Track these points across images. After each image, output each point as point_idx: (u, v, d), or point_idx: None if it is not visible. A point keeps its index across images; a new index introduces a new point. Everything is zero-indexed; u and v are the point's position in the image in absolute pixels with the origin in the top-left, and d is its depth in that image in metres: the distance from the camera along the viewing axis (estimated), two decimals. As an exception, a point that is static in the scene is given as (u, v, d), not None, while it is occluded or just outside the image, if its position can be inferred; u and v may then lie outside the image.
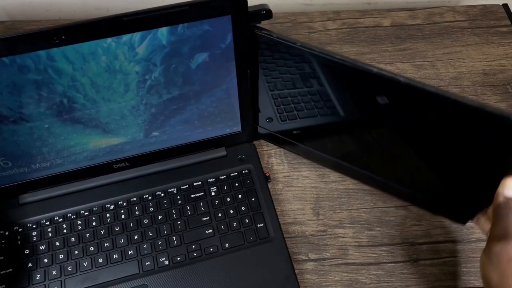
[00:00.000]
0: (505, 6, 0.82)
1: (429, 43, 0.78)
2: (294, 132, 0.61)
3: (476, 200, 0.49)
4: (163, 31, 0.44)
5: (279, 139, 0.63)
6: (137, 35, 0.44)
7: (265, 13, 0.46)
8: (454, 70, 0.74)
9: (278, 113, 0.59)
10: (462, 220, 0.54)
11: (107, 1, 0.80)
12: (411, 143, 0.51)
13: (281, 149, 0.66)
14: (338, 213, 0.61)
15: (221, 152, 0.63)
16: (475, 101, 0.41)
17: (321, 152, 0.61)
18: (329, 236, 0.59)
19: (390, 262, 0.57)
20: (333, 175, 0.64)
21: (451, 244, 0.59)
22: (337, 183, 0.63)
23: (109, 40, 0.43)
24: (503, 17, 0.81)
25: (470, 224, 0.58)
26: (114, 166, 0.59)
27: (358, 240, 0.59)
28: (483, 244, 0.57)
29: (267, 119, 0.61)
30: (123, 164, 0.59)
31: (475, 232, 0.59)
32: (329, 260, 0.57)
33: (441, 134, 0.47)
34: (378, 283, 0.56)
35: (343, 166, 0.61)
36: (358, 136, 0.56)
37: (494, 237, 0.42)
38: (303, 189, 0.63)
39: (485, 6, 0.82)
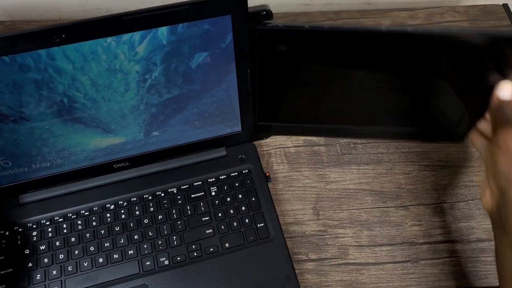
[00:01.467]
0: (505, 6, 0.82)
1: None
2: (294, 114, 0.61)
3: (470, 114, 0.53)
4: (163, 31, 0.44)
5: (278, 127, 0.64)
6: (137, 35, 0.44)
7: (265, 13, 0.46)
8: (454, 70, 0.74)
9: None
10: (460, 137, 0.56)
11: (107, 1, 0.80)
12: (396, 77, 0.53)
13: (281, 149, 0.66)
14: (338, 213, 0.61)
15: (221, 152, 0.63)
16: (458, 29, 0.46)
17: (313, 123, 0.62)
18: (329, 236, 0.59)
19: (390, 262, 0.57)
20: (333, 175, 0.64)
21: (451, 244, 0.59)
22: (337, 183, 0.63)
23: (109, 39, 0.43)
24: (503, 17, 0.81)
25: (468, 229, 0.58)
26: (114, 166, 0.59)
27: (358, 240, 0.59)
28: (483, 244, 0.58)
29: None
30: (123, 164, 0.59)
31: (475, 232, 0.59)
32: (329, 260, 0.57)
33: (424, 60, 0.50)
34: (378, 283, 0.56)
35: (334, 129, 0.62)
36: (342, 91, 0.57)
37: (499, 127, 0.46)
38: (303, 189, 0.63)
39: (485, 6, 0.82)
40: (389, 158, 0.66)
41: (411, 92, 0.55)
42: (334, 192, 0.63)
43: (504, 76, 0.47)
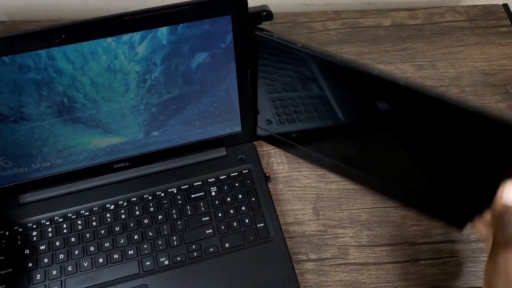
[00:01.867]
0: (505, 6, 0.82)
1: (429, 43, 0.78)
2: (293, 134, 0.60)
3: (474, 204, 0.48)
4: (163, 31, 0.44)
5: (278, 141, 0.63)
6: (137, 35, 0.44)
7: (265, 14, 0.46)
8: (454, 70, 0.74)
9: (277, 115, 0.59)
10: (460, 224, 0.53)
11: (107, 1, 0.80)
12: (410, 146, 0.51)
13: (281, 149, 0.66)
14: (338, 213, 0.61)
15: (221, 152, 0.63)
16: (476, 106, 0.40)
17: (320, 154, 0.61)
18: (329, 236, 0.59)
19: (390, 262, 0.57)
20: (333, 175, 0.64)
21: (451, 244, 0.59)
22: (337, 183, 0.63)
23: (109, 39, 0.43)
24: (503, 17, 0.81)
25: (468, 229, 0.58)
26: (114, 166, 0.59)
27: (358, 240, 0.59)
28: (483, 244, 0.58)
29: (266, 121, 0.61)
30: (123, 164, 0.59)
31: (475, 232, 0.59)
32: (329, 260, 0.57)
33: (440, 137, 0.46)
34: (378, 283, 0.56)
35: (342, 169, 0.61)
36: (357, 139, 0.56)
37: (499, 245, 0.41)
38: (303, 189, 0.63)
39: (485, 6, 0.82)
40: None
41: (420, 157, 0.51)
42: (334, 192, 0.63)
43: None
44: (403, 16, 0.81)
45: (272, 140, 0.64)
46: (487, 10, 0.82)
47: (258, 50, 0.50)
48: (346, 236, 0.59)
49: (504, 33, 0.79)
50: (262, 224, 0.57)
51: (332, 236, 0.59)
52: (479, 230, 0.47)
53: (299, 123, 0.58)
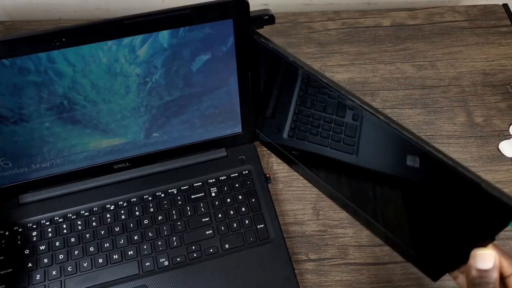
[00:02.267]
0: (505, 6, 0.82)
1: (429, 43, 0.78)
2: (293, 152, 0.60)
3: (450, 260, 0.46)
4: (164, 34, 0.44)
5: (277, 150, 0.62)
6: (138, 38, 0.44)
7: (267, 18, 0.46)
8: (454, 70, 0.74)
9: (290, 128, 0.58)
10: (434, 276, 0.50)
11: (107, 1, 0.79)
12: (405, 200, 0.49)
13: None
14: (338, 213, 0.61)
15: (222, 152, 0.63)
16: (472, 173, 0.39)
17: (316, 176, 0.59)
18: (329, 236, 0.59)
19: (390, 262, 0.57)
20: None
21: None
22: None
23: (109, 42, 0.43)
24: (503, 17, 0.81)
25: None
26: (114, 166, 0.59)
27: (358, 240, 0.59)
28: None
29: (275, 128, 0.60)
30: (124, 165, 0.59)
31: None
32: (329, 260, 0.58)
33: (430, 194, 0.45)
34: (378, 283, 0.56)
35: (334, 196, 0.58)
36: (361, 181, 0.53)
37: None
38: (303, 189, 0.63)
39: (485, 6, 0.82)
40: None
41: (394, 199, 0.50)
42: None
43: (486, 239, 0.40)
44: (403, 16, 0.81)
45: (271, 147, 0.64)
46: (487, 10, 0.82)
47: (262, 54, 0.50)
48: (346, 236, 0.59)
49: (504, 33, 0.79)
50: (262, 225, 0.57)
51: (332, 236, 0.59)
52: (461, 283, 0.45)
53: (306, 144, 0.57)
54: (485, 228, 0.40)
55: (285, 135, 0.59)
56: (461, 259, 0.42)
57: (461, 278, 0.44)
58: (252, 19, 0.45)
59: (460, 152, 0.66)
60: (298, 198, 0.62)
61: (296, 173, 0.64)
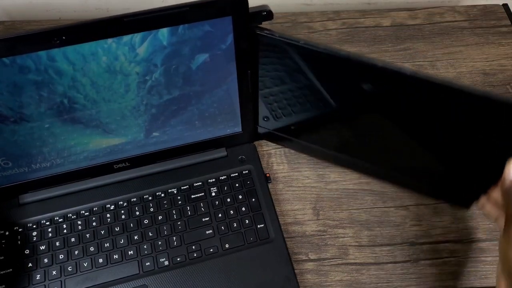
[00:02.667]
0: (505, 6, 0.82)
1: (429, 43, 0.78)
2: (292, 127, 0.60)
3: (479, 182, 0.49)
4: (163, 32, 0.44)
5: (279, 137, 0.63)
6: (137, 36, 0.44)
7: (265, 14, 0.46)
8: (454, 70, 0.74)
9: (272, 111, 0.59)
10: (466, 203, 0.54)
11: (107, 1, 0.79)
12: (409, 130, 0.51)
13: (281, 149, 0.66)
14: (338, 213, 0.61)
15: (222, 152, 0.63)
16: (478, 90, 0.42)
17: (321, 146, 0.61)
18: (329, 236, 0.59)
19: (390, 262, 0.57)
20: (333, 175, 0.64)
21: (451, 244, 0.59)
22: (337, 183, 0.63)
23: (109, 40, 0.43)
24: (503, 17, 0.81)
25: (474, 210, 0.60)
26: (114, 166, 0.59)
27: (358, 240, 0.59)
28: (483, 244, 0.58)
29: (264, 118, 0.61)
30: (124, 165, 0.59)
31: (475, 232, 0.59)
32: (329, 260, 0.57)
33: (440, 119, 0.47)
34: (378, 283, 0.56)
35: (343, 159, 0.61)
36: (353, 127, 0.56)
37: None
38: (303, 189, 0.63)
39: (485, 6, 0.82)
40: None
41: (422, 141, 0.52)
42: (334, 192, 0.63)
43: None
44: (403, 16, 0.81)
45: (273, 137, 0.64)
46: (487, 10, 0.82)
47: (260, 49, 0.50)
48: (346, 236, 0.59)
49: (504, 33, 0.79)
50: (262, 225, 0.57)
51: (332, 236, 0.59)
52: (488, 211, 0.48)
53: (294, 116, 0.58)
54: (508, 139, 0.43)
55: (274, 118, 0.60)
56: (490, 181, 0.46)
57: (488, 207, 0.48)
58: (251, 15, 0.45)
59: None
60: (298, 198, 0.62)
61: (296, 173, 0.64)
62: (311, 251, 0.58)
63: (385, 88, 0.48)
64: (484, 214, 0.50)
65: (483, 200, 0.49)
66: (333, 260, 0.58)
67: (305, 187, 0.63)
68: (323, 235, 0.59)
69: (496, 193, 0.47)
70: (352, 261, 0.58)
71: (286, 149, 0.66)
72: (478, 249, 0.58)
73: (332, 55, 0.47)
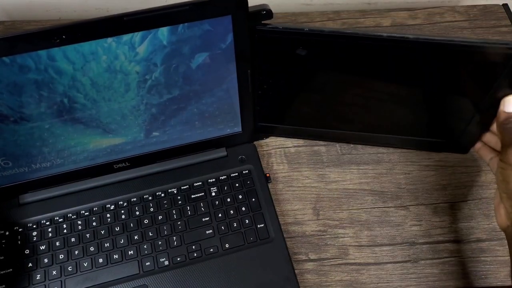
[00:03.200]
0: (505, 6, 0.82)
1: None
2: (287, 114, 0.62)
3: (474, 126, 0.54)
4: (163, 31, 0.44)
5: (274, 129, 0.64)
6: (137, 35, 0.44)
7: (265, 13, 0.46)
8: (454, 70, 0.75)
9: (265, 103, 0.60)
10: (464, 149, 0.59)
11: (107, 1, 0.80)
12: (401, 87, 0.55)
13: (281, 149, 0.66)
14: (338, 213, 0.61)
15: (222, 152, 0.63)
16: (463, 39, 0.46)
17: (314, 126, 0.63)
18: (329, 236, 0.59)
19: (390, 262, 0.57)
20: (333, 175, 0.64)
21: (451, 244, 0.59)
22: (337, 183, 0.63)
23: (109, 40, 0.43)
24: (503, 17, 0.81)
25: (474, 210, 0.60)
26: (114, 166, 0.59)
27: (358, 240, 0.59)
28: (483, 244, 0.58)
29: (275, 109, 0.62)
30: (124, 164, 0.59)
31: (475, 232, 0.59)
32: (329, 260, 0.57)
33: (429, 69, 0.51)
34: (378, 283, 0.56)
35: (340, 134, 0.63)
36: (343, 96, 0.58)
37: (508, 146, 0.46)
38: (303, 189, 0.63)
39: (485, 6, 0.82)
40: (389, 158, 0.65)
41: (415, 100, 0.56)
42: (334, 192, 0.63)
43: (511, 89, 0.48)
44: (403, 16, 0.81)
45: (270, 130, 0.65)
46: (487, 10, 0.82)
47: (260, 47, 0.51)
48: (346, 236, 0.59)
49: (504, 33, 0.79)
50: (262, 225, 0.57)
51: (332, 236, 0.59)
52: (483, 154, 0.54)
53: (288, 103, 0.60)
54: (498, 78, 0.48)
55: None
56: (484, 124, 0.53)
57: (483, 149, 0.54)
58: (250, 14, 0.45)
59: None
60: (298, 198, 0.62)
61: (296, 173, 0.64)
62: (311, 251, 0.58)
63: (387, 54, 0.50)
64: (479, 156, 0.55)
65: (478, 144, 0.55)
66: (333, 260, 0.58)
67: (305, 187, 0.63)
68: (323, 235, 0.59)
69: (489, 136, 0.53)
70: (352, 261, 0.58)
71: (286, 149, 0.66)
72: (478, 249, 0.58)
73: (339, 35, 0.48)
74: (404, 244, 0.59)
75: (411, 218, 0.61)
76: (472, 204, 0.62)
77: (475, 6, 0.82)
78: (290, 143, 0.67)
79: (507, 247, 0.57)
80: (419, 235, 0.59)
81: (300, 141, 0.67)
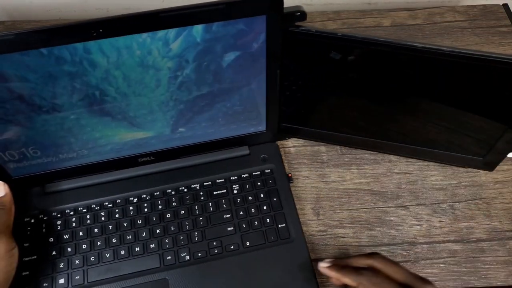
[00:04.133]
0: (505, 6, 0.82)
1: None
2: (314, 118, 0.62)
3: (503, 143, 0.55)
4: (198, 29, 0.45)
5: (297, 130, 0.65)
6: (172, 32, 0.44)
7: (299, 15, 0.46)
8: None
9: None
10: (491, 166, 0.61)
11: (107, 1, 0.80)
12: (430, 100, 0.55)
13: (281, 149, 0.66)
14: (338, 213, 0.61)
15: (244, 150, 0.63)
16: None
17: (338, 132, 0.63)
18: (329, 236, 0.59)
19: (390, 262, 0.57)
20: (333, 175, 0.64)
21: (451, 244, 0.59)
22: (337, 183, 0.64)
23: (144, 35, 0.44)
24: (503, 17, 0.80)
25: (474, 210, 0.61)
26: (139, 159, 0.60)
27: (358, 240, 0.59)
28: (483, 244, 0.58)
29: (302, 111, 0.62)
30: (148, 158, 0.60)
31: (475, 232, 0.59)
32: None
33: (458, 86, 0.52)
34: (378, 283, 0.56)
35: (366, 142, 0.63)
36: (369, 103, 0.58)
37: None
38: (303, 189, 0.63)
39: (485, 6, 0.82)
40: (389, 158, 0.66)
41: (445, 114, 0.56)
42: (334, 192, 0.63)
43: None
44: (403, 16, 0.81)
45: (294, 131, 0.65)
46: (487, 10, 0.81)
47: (290, 48, 0.51)
48: (346, 236, 0.59)
49: (504, 33, 0.78)
50: (283, 225, 0.57)
51: (332, 236, 0.59)
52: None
53: (315, 107, 0.61)
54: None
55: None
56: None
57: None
58: (285, 15, 0.45)
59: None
60: (298, 198, 0.62)
61: (296, 173, 0.64)
62: (311, 251, 0.57)
63: (420, 65, 0.50)
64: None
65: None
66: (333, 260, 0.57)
67: (305, 187, 0.63)
68: (323, 235, 0.59)
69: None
70: None
71: (286, 149, 0.66)
72: (478, 249, 0.58)
73: (371, 42, 0.48)
74: (404, 244, 0.59)
75: (411, 218, 0.61)
76: (472, 204, 0.62)
77: (475, 6, 0.82)
78: (290, 143, 0.67)
79: (507, 247, 0.57)
80: (419, 235, 0.59)
81: (300, 141, 0.67)
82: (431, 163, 0.65)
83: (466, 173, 0.64)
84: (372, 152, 0.66)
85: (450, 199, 0.62)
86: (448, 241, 0.59)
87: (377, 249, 0.58)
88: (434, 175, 0.64)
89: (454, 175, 0.64)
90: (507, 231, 0.59)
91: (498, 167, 0.63)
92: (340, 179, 0.64)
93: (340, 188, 0.63)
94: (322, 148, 0.66)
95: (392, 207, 0.62)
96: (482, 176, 0.64)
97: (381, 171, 0.65)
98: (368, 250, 0.58)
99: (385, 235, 0.59)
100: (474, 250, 0.58)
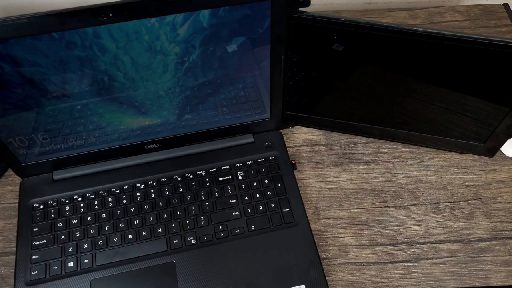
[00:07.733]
0: (506, 5, 0.82)
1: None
2: (304, 100, 0.63)
3: (503, 128, 0.56)
4: (205, 14, 0.46)
5: (301, 118, 0.65)
6: (180, 16, 0.46)
7: (303, 0, 0.47)
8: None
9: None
10: (490, 152, 0.61)
11: (107, 1, 0.79)
12: (432, 85, 0.56)
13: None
14: (339, 212, 0.61)
15: (249, 138, 0.64)
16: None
17: (342, 119, 0.64)
18: (329, 235, 0.59)
19: (390, 262, 0.57)
20: (334, 175, 0.64)
21: (451, 244, 0.59)
22: (337, 182, 0.64)
23: (153, 20, 0.45)
24: (503, 16, 0.80)
25: (474, 210, 0.60)
26: (145, 147, 0.61)
27: (359, 239, 0.59)
28: (483, 244, 0.58)
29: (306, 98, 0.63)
30: (155, 146, 0.61)
31: (475, 232, 0.59)
32: (329, 260, 0.57)
33: (459, 71, 0.53)
34: (378, 283, 0.56)
35: (368, 128, 0.64)
36: (373, 89, 0.59)
37: None
38: (303, 189, 0.63)
39: (485, 5, 0.82)
40: (390, 157, 0.66)
41: (448, 99, 0.57)
42: (334, 191, 0.63)
43: None
44: (403, 16, 0.81)
45: (297, 119, 0.66)
46: (487, 9, 0.81)
47: (294, 35, 0.52)
48: (346, 235, 0.59)
49: (505, 33, 0.78)
50: (288, 209, 0.58)
51: (332, 236, 0.59)
52: None
53: (319, 95, 0.62)
54: None
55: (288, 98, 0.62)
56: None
57: None
58: (289, 1, 0.46)
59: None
60: None
61: (296, 173, 0.63)
62: None
63: (423, 50, 0.51)
64: None
65: None
66: (334, 259, 0.58)
67: (305, 187, 0.63)
68: (324, 235, 0.59)
69: None
70: (353, 260, 0.58)
71: (287, 149, 0.65)
72: (478, 249, 0.58)
73: (374, 27, 0.49)
74: (405, 244, 0.59)
75: (412, 218, 0.61)
76: (472, 204, 0.62)
77: (475, 5, 0.82)
78: (290, 143, 0.67)
79: (507, 246, 0.57)
80: (420, 234, 0.59)
81: (300, 141, 0.67)
82: (432, 163, 0.65)
83: (466, 173, 0.64)
84: (372, 151, 0.66)
85: (450, 199, 0.62)
86: (449, 241, 0.59)
87: (377, 249, 0.58)
88: (435, 175, 0.64)
89: (455, 175, 0.64)
90: (508, 230, 0.59)
91: (498, 167, 0.64)
92: (341, 179, 0.64)
93: (340, 188, 0.63)
94: (322, 148, 0.67)
95: (393, 206, 0.62)
96: (483, 175, 0.64)
97: (382, 171, 0.65)
98: (369, 250, 0.58)
99: (385, 234, 0.59)
100: (474, 249, 0.58)
